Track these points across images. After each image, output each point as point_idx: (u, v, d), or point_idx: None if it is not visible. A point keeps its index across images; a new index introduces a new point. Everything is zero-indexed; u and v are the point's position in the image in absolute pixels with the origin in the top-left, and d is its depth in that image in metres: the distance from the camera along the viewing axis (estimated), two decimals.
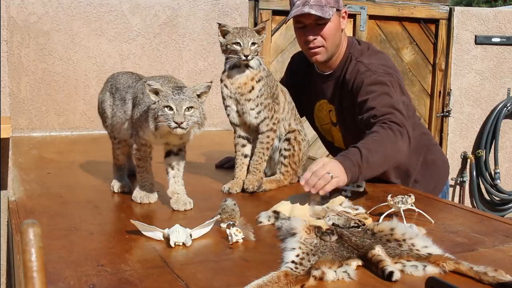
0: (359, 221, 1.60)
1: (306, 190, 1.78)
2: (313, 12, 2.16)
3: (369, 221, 1.64)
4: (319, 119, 2.50)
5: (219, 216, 1.71)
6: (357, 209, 1.70)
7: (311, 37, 2.24)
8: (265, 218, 1.77)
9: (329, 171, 1.78)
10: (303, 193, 1.85)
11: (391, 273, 1.31)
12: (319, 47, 2.25)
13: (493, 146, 4.94)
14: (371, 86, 2.16)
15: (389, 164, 2.08)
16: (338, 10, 2.24)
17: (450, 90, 4.80)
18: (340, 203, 1.78)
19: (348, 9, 4.44)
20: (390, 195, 1.81)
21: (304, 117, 2.55)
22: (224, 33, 2.14)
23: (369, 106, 2.12)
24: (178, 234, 1.55)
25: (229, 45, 2.11)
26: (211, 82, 1.84)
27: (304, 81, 2.48)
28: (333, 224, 1.61)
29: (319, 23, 2.21)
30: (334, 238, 1.48)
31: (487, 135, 4.88)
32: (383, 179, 2.31)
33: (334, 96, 2.35)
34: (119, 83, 2.13)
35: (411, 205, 1.80)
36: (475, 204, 4.96)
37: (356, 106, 2.20)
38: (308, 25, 2.24)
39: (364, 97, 2.15)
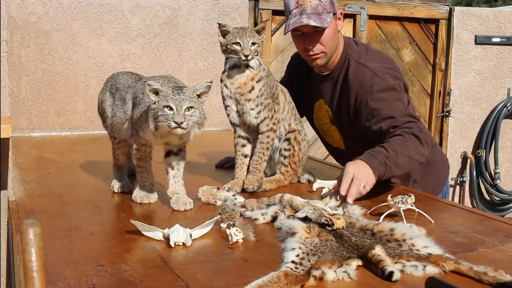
0: (330, 220, 1.58)
1: (349, 202, 1.85)
2: (311, 23, 2.16)
3: (340, 222, 1.59)
4: (318, 119, 2.50)
5: (219, 216, 1.71)
6: (336, 210, 1.72)
7: (310, 46, 2.24)
8: (260, 215, 1.77)
9: (361, 181, 1.88)
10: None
11: (391, 273, 1.31)
12: (319, 53, 2.25)
13: (493, 146, 4.94)
14: (382, 93, 2.18)
15: (412, 167, 2.15)
16: (333, 13, 2.23)
17: (450, 90, 4.80)
18: (326, 204, 1.82)
19: (348, 9, 4.47)
20: (390, 195, 1.81)
21: (304, 117, 2.55)
22: (224, 33, 2.13)
23: (387, 115, 2.15)
24: (178, 234, 1.55)
25: (229, 45, 2.10)
26: (211, 82, 1.84)
27: (304, 80, 2.48)
28: (305, 217, 1.62)
29: (317, 30, 2.21)
30: None
31: (487, 135, 4.88)
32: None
33: (332, 96, 2.35)
34: (119, 83, 2.13)
35: (411, 205, 1.80)
36: (475, 204, 4.96)
37: (363, 112, 2.22)
38: (306, 33, 2.23)
39: (377, 105, 2.18)
